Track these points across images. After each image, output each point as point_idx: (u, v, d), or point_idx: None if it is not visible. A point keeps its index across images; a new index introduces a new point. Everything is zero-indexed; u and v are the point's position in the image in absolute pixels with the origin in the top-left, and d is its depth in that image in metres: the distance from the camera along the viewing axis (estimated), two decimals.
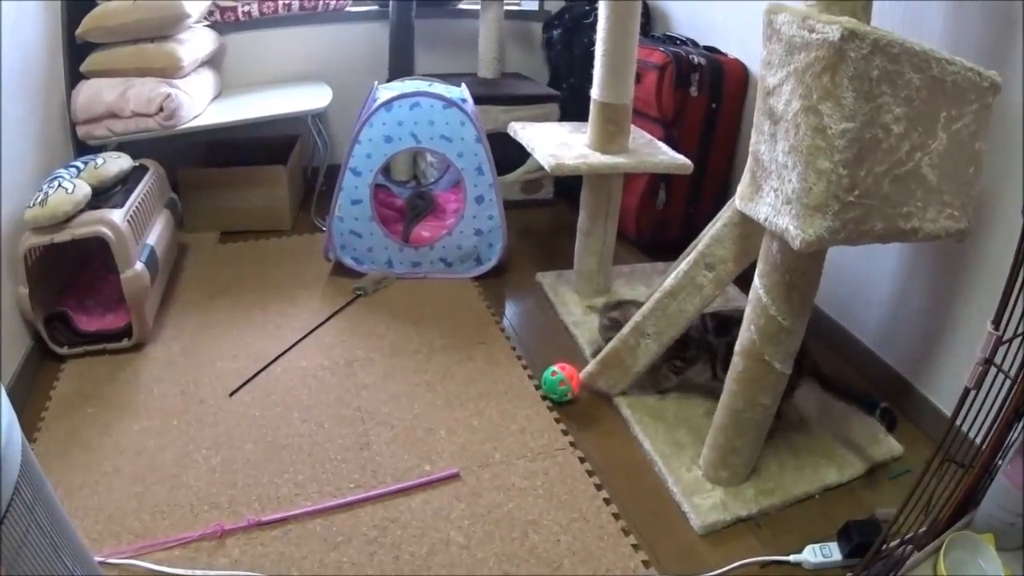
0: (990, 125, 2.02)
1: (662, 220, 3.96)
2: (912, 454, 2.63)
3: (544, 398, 2.88)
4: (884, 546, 1.80)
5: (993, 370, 1.60)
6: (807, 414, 2.74)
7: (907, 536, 1.81)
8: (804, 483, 2.47)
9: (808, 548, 2.21)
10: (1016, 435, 1.77)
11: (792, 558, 2.21)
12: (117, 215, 2.95)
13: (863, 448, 2.62)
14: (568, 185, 4.35)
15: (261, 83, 4.53)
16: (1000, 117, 2.24)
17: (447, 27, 4.85)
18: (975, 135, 1.97)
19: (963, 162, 1.97)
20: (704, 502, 2.38)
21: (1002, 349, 1.58)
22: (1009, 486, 1.79)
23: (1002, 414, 1.71)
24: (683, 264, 2.62)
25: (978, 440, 1.77)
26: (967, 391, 1.60)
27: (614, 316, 2.86)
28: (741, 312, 2.47)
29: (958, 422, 1.63)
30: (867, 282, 3.03)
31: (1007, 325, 1.56)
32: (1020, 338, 1.62)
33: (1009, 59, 2.28)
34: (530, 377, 3.01)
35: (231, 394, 2.84)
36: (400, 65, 4.63)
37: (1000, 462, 1.82)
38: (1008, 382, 1.66)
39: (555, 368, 2.86)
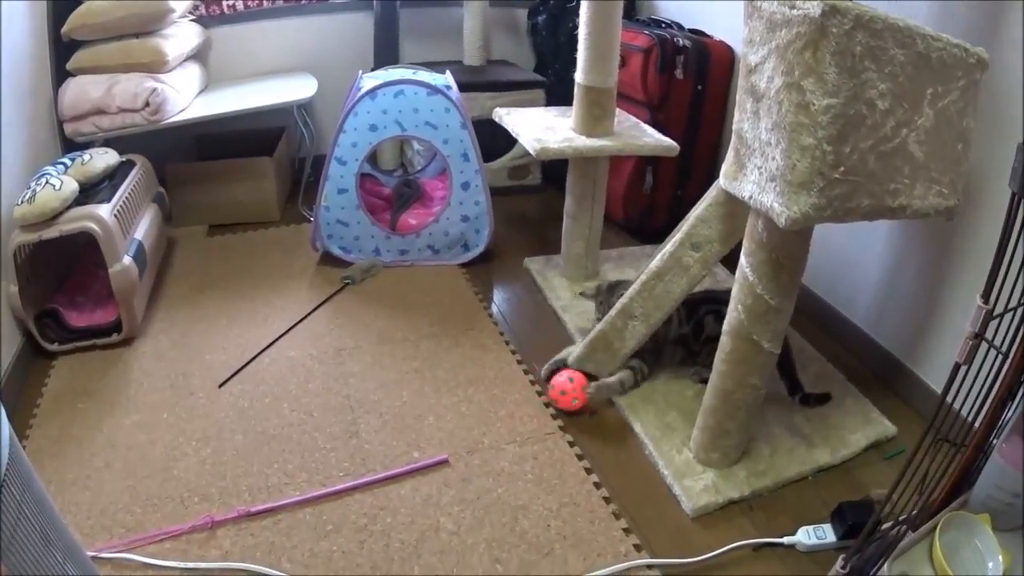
0: (978, 103, 2.01)
1: (649, 204, 3.96)
2: (906, 434, 2.63)
3: (533, 383, 2.87)
4: (878, 527, 1.79)
5: (984, 347, 1.59)
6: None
7: (901, 517, 1.80)
8: (797, 464, 2.47)
9: (802, 530, 2.21)
10: (1011, 413, 1.77)
11: (786, 540, 2.20)
12: (104, 210, 2.94)
13: (856, 429, 2.61)
14: (555, 171, 4.34)
15: (247, 76, 4.51)
16: (989, 95, 2.24)
17: (432, 15, 4.83)
18: (963, 112, 1.96)
19: (951, 139, 1.96)
20: (695, 485, 2.37)
21: (992, 325, 1.58)
22: (1005, 465, 1.79)
23: (995, 391, 1.71)
24: (669, 245, 2.62)
25: (972, 419, 1.76)
26: (957, 366, 1.59)
27: (615, 302, 2.84)
28: (707, 293, 2.50)
29: (950, 399, 1.62)
30: (856, 261, 3.03)
31: (997, 299, 1.55)
32: (1011, 313, 1.61)
33: (997, 37, 2.28)
34: (519, 362, 3.00)
35: (220, 386, 2.83)
36: (385, 54, 4.61)
37: (995, 441, 1.81)
38: (1000, 359, 1.65)
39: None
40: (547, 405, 2.76)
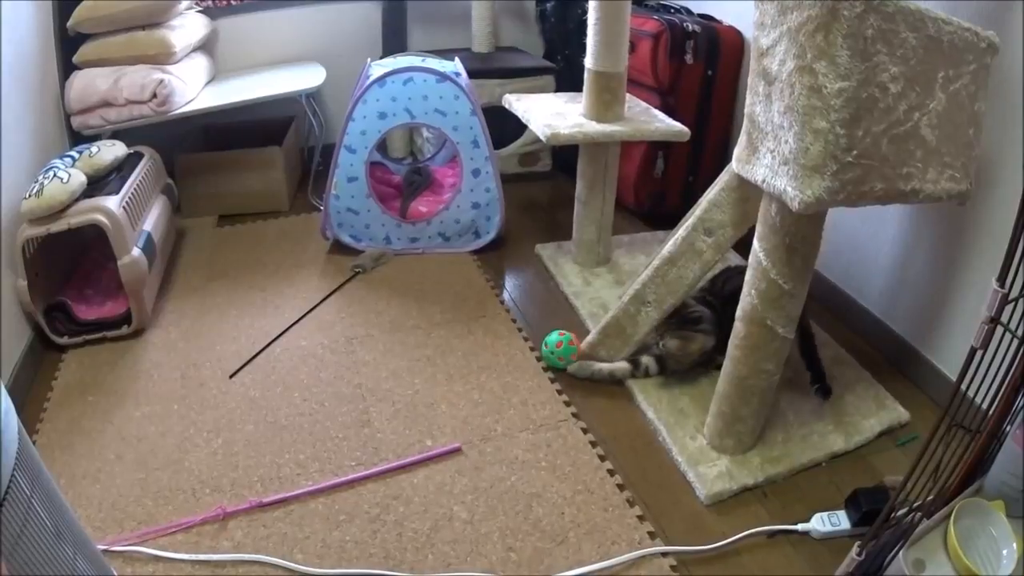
0: (989, 87, 2.00)
1: (661, 189, 3.95)
2: (919, 421, 2.62)
3: (546, 369, 2.87)
4: (893, 514, 1.78)
5: (999, 332, 1.58)
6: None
7: (916, 504, 1.79)
8: (810, 451, 2.46)
9: (816, 517, 2.20)
10: None
11: (800, 527, 2.19)
12: (113, 202, 2.93)
13: (869, 415, 2.60)
14: (566, 157, 4.32)
15: (254, 66, 4.51)
16: (1000, 79, 2.23)
17: (440, 3, 4.81)
18: (974, 96, 1.95)
19: (963, 123, 1.96)
20: (709, 471, 2.37)
21: (1008, 309, 1.56)
22: (1019, 452, 1.77)
23: (1010, 377, 1.69)
24: (682, 230, 2.61)
25: (985, 405, 1.75)
26: (973, 351, 1.58)
27: None
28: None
29: (964, 385, 1.61)
30: (868, 246, 3.01)
31: (1012, 283, 1.54)
32: None
33: (1007, 22, 2.26)
34: (531, 349, 2.99)
35: (231, 376, 2.83)
36: (393, 42, 4.61)
37: (1009, 427, 1.80)
38: (1015, 344, 1.63)
39: (571, 338, 2.89)
40: (560, 392, 2.75)
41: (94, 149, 3.16)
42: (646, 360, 2.79)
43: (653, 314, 2.69)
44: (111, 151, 3.22)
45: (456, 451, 2.47)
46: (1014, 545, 1.73)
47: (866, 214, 2.89)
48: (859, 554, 1.81)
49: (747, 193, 2.40)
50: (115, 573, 1.86)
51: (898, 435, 2.58)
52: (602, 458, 2.46)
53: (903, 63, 1.75)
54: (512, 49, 4.94)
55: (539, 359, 2.93)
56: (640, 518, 2.23)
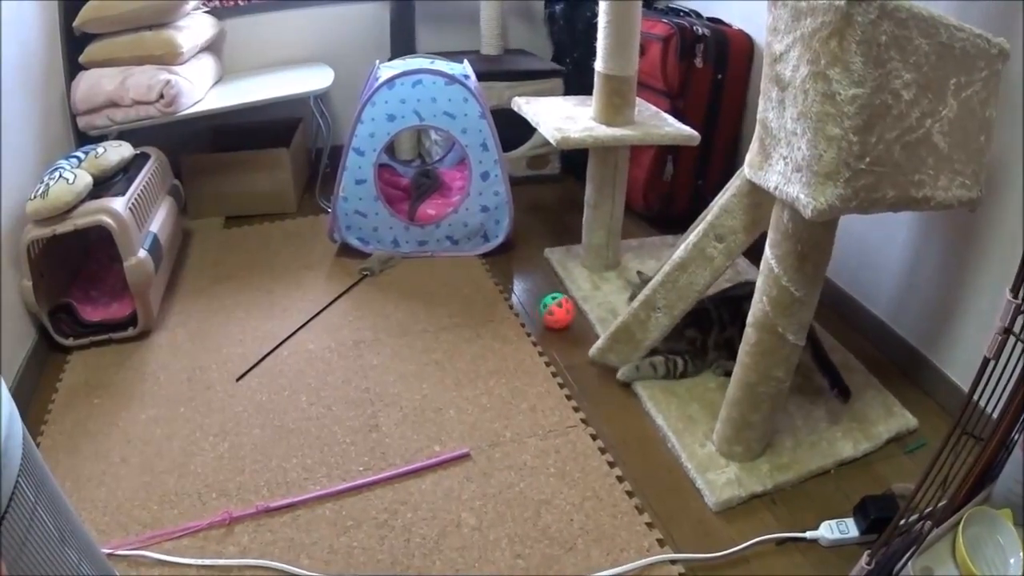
0: (999, 93, 1.99)
1: (670, 193, 3.93)
2: (927, 427, 2.61)
3: (555, 374, 2.86)
4: (902, 522, 1.77)
5: (1010, 342, 1.57)
6: (822, 385, 2.72)
7: (925, 512, 1.78)
8: (819, 458, 2.45)
9: (824, 524, 2.19)
10: None
11: (808, 535, 2.19)
12: (119, 203, 2.92)
13: (878, 421, 2.60)
14: (575, 160, 4.32)
15: (262, 67, 4.51)
16: (1010, 85, 2.22)
17: (448, 4, 4.80)
18: (985, 103, 1.95)
19: (974, 130, 1.95)
20: (718, 478, 2.36)
21: (1020, 319, 1.55)
22: None
23: (1020, 386, 1.69)
24: (692, 235, 2.60)
25: (995, 413, 1.74)
26: (986, 361, 1.57)
27: None
28: (744, 288, 2.47)
29: (976, 395, 1.60)
30: (878, 252, 3.01)
31: None
32: None
33: (1017, 28, 2.25)
34: (540, 354, 2.98)
35: (238, 379, 2.83)
36: (402, 44, 4.60)
37: (1018, 436, 1.79)
38: None
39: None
40: (569, 397, 2.75)
41: (100, 150, 3.15)
42: (671, 358, 2.80)
43: (663, 319, 2.68)
44: (117, 152, 3.22)
45: (464, 456, 2.47)
46: (1021, 554, 1.74)
47: (875, 220, 2.87)
48: (869, 562, 1.80)
49: (759, 199, 2.39)
50: None
51: (906, 442, 2.57)
52: (611, 464, 2.45)
53: (916, 70, 1.74)
54: (521, 52, 4.94)
55: (548, 364, 2.92)
56: (649, 525, 2.22)
